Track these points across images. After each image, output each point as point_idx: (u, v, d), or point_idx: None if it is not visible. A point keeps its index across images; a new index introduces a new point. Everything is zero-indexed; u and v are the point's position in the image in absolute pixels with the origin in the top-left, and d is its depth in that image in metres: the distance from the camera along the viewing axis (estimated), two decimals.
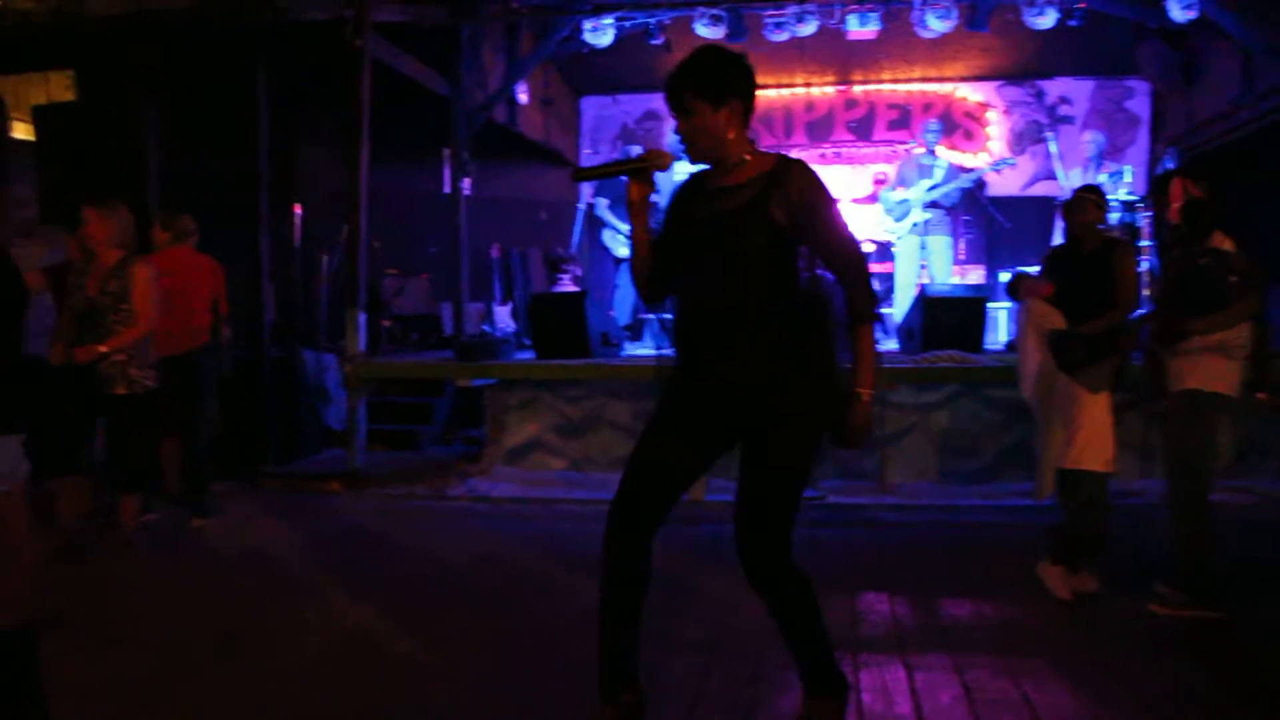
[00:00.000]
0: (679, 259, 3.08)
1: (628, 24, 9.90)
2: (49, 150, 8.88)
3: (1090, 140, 10.11)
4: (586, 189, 10.89)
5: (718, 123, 2.96)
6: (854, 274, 3.00)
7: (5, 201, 8.78)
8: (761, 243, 2.93)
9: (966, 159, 12.14)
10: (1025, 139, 12.49)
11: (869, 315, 2.98)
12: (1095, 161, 9.91)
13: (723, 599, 4.50)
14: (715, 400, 3.01)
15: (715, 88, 2.94)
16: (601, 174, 3.35)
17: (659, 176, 3.18)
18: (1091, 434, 4.78)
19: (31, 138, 9.29)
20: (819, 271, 3.03)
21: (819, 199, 2.97)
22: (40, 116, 9.13)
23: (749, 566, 2.99)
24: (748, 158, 3.03)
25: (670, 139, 10.47)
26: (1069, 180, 9.96)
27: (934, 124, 10.27)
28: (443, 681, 3.90)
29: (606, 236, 10.43)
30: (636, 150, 10.91)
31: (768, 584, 3.03)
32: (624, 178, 3.11)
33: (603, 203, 10.28)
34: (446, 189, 10.43)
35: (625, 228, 9.97)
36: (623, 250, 10.24)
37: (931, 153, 10.03)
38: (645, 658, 3.20)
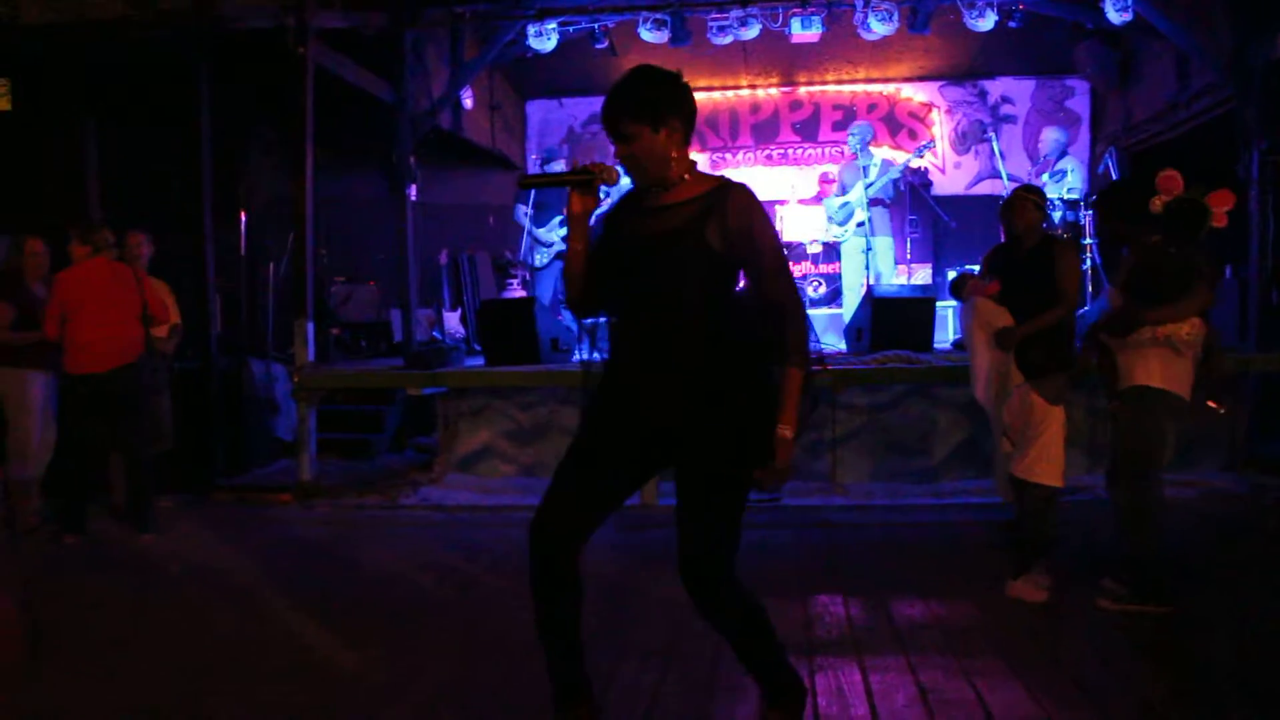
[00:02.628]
0: (611, 276, 3.04)
1: (572, 28, 9.88)
2: None
3: (1050, 138, 10.23)
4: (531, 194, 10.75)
5: (658, 144, 2.91)
6: (787, 306, 2.92)
7: None
8: (695, 266, 2.89)
9: (911, 159, 12.27)
10: (969, 138, 12.65)
11: (799, 356, 2.90)
12: (1055, 157, 10.03)
13: (676, 604, 4.50)
14: (646, 425, 2.95)
15: (654, 110, 2.89)
16: (548, 183, 3.32)
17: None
18: (1045, 447, 4.82)
19: None
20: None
21: (757, 228, 2.91)
22: None
23: (691, 591, 2.96)
24: (687, 177, 2.99)
25: None
26: (1028, 177, 10.11)
27: (857, 127, 10.35)
28: (397, 699, 3.86)
29: (526, 247, 10.35)
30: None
31: (712, 608, 3.00)
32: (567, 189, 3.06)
33: (523, 209, 10.16)
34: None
35: (548, 236, 9.99)
36: (540, 259, 10.20)
37: (858, 154, 10.12)
38: (598, 665, 3.20)
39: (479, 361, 8.68)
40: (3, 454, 6.85)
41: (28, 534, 6.72)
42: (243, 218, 9.75)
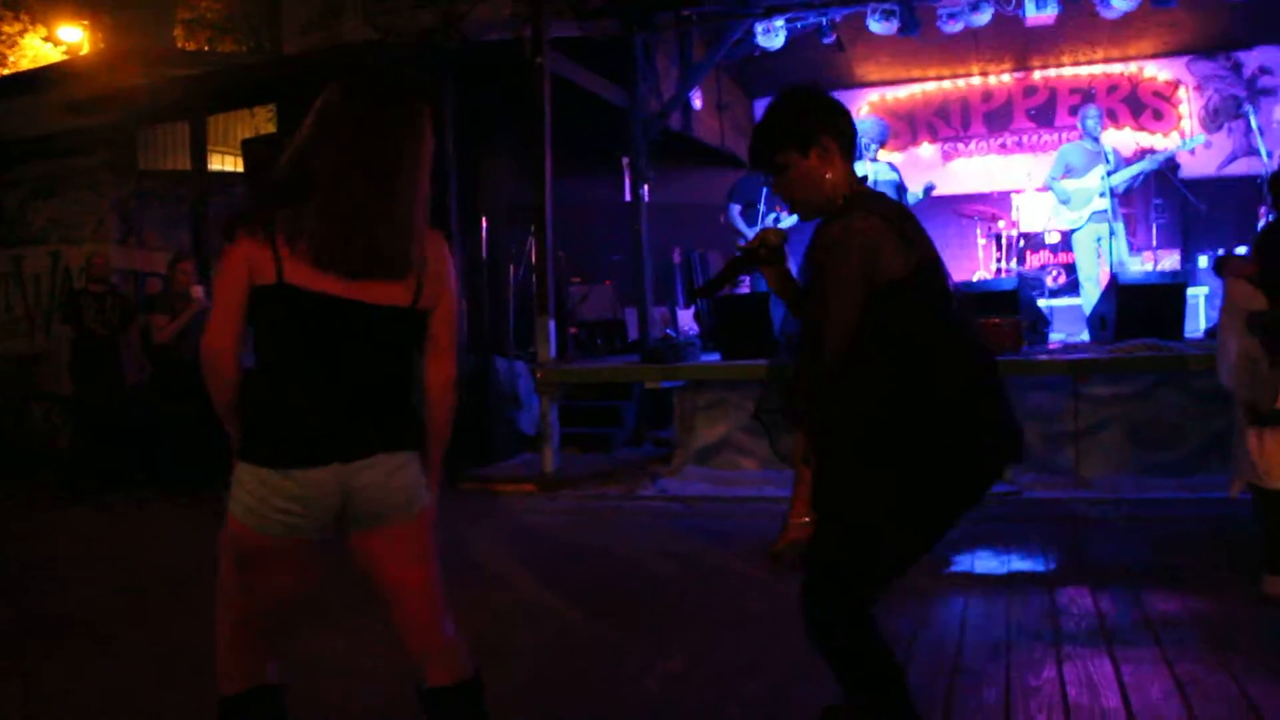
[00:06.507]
0: None
1: (799, 24, 9.93)
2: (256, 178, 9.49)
3: None
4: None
5: (811, 167, 2.71)
6: (810, 339, 2.71)
7: None
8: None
9: (1156, 140, 11.72)
10: (1221, 115, 11.93)
11: (799, 391, 2.76)
12: None
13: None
14: None
15: (800, 132, 2.71)
16: (720, 284, 3.08)
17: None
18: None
19: (240, 169, 9.96)
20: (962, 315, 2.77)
21: (827, 247, 2.62)
22: (247, 148, 9.76)
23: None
24: (843, 201, 2.72)
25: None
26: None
27: (1093, 110, 9.89)
28: (646, 670, 4.01)
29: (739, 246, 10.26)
30: None
31: (810, 628, 2.69)
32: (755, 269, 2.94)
33: (735, 209, 10.06)
34: (627, 197, 10.63)
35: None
36: None
37: (1095, 140, 9.67)
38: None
39: (714, 358, 8.83)
40: None
41: None
42: (484, 223, 10.20)
